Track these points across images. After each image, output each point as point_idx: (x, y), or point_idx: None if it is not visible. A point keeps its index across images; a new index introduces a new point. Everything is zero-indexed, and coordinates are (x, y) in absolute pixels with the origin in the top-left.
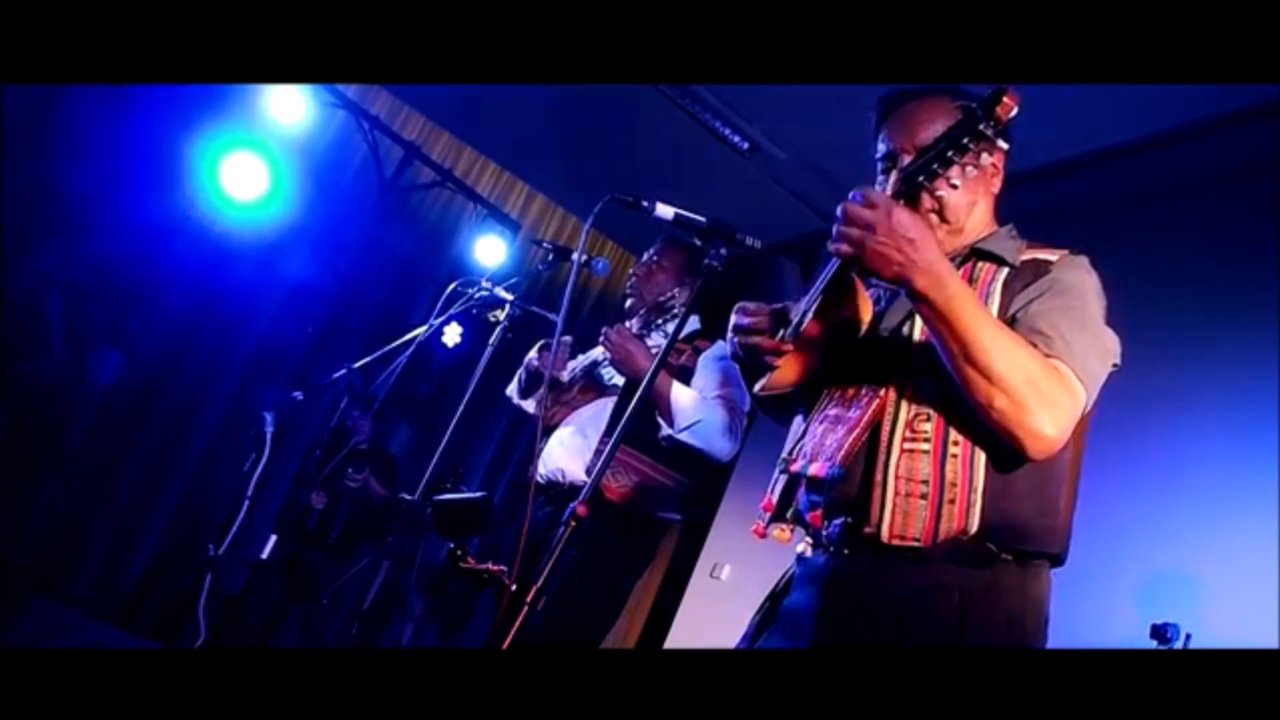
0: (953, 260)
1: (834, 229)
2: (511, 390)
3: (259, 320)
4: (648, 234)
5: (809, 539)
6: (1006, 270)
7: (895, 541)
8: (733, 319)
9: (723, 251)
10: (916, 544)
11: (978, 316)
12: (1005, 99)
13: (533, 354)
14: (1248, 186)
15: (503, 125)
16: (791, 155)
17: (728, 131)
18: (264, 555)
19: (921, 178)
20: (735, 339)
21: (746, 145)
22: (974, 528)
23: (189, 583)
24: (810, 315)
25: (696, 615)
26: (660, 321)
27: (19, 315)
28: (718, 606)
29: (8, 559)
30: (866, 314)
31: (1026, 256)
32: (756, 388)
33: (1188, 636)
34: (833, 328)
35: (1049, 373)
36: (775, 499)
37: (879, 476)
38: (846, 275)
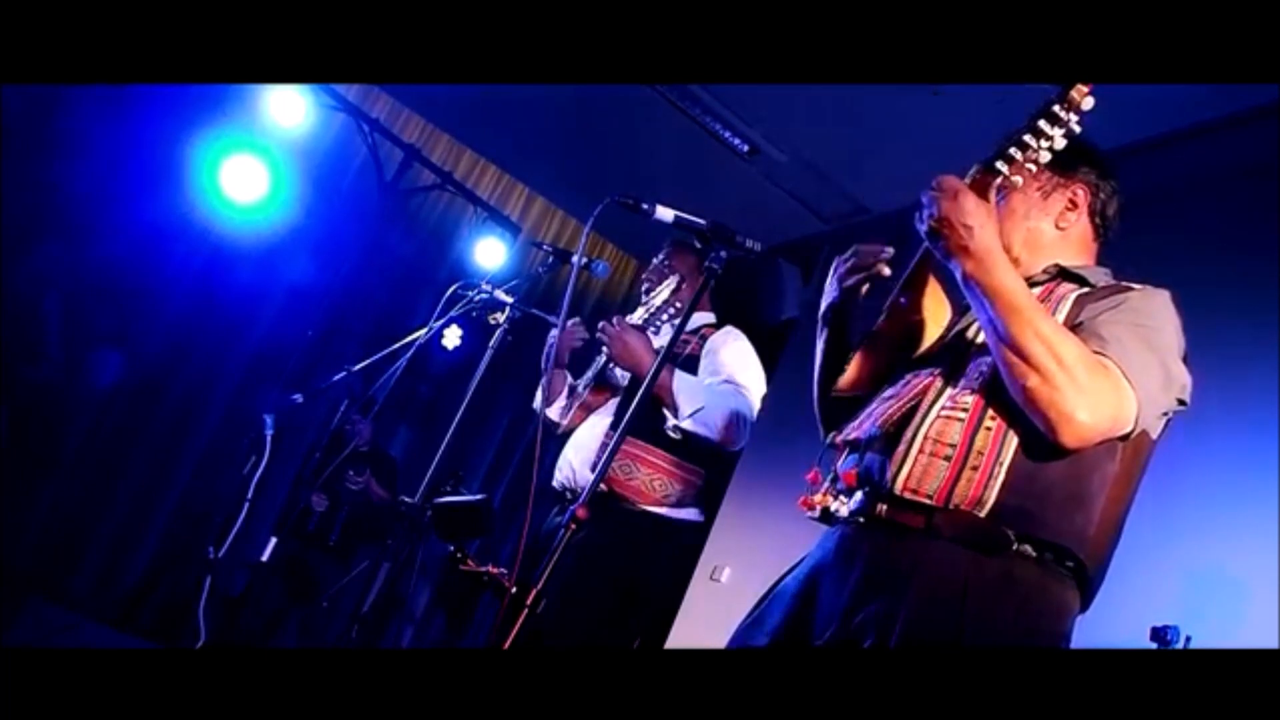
0: (1034, 284)
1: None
2: (537, 403)
3: (259, 323)
4: (648, 237)
5: (843, 497)
6: (1086, 289)
7: (907, 495)
8: (837, 262)
9: (723, 254)
10: (928, 500)
11: (1022, 303)
12: (1080, 85)
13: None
14: (1248, 188)
15: (503, 128)
16: (791, 158)
17: (727, 134)
18: (264, 558)
19: (999, 162)
20: (839, 271)
21: (746, 148)
22: (990, 500)
23: (189, 585)
24: (898, 297)
25: (696, 617)
26: (672, 316)
27: (17, 316)
28: (717, 609)
29: (7, 561)
30: (943, 319)
31: (1109, 283)
32: (832, 389)
33: (1188, 639)
34: (908, 330)
35: (1090, 363)
36: (823, 471)
37: (909, 434)
38: (925, 272)
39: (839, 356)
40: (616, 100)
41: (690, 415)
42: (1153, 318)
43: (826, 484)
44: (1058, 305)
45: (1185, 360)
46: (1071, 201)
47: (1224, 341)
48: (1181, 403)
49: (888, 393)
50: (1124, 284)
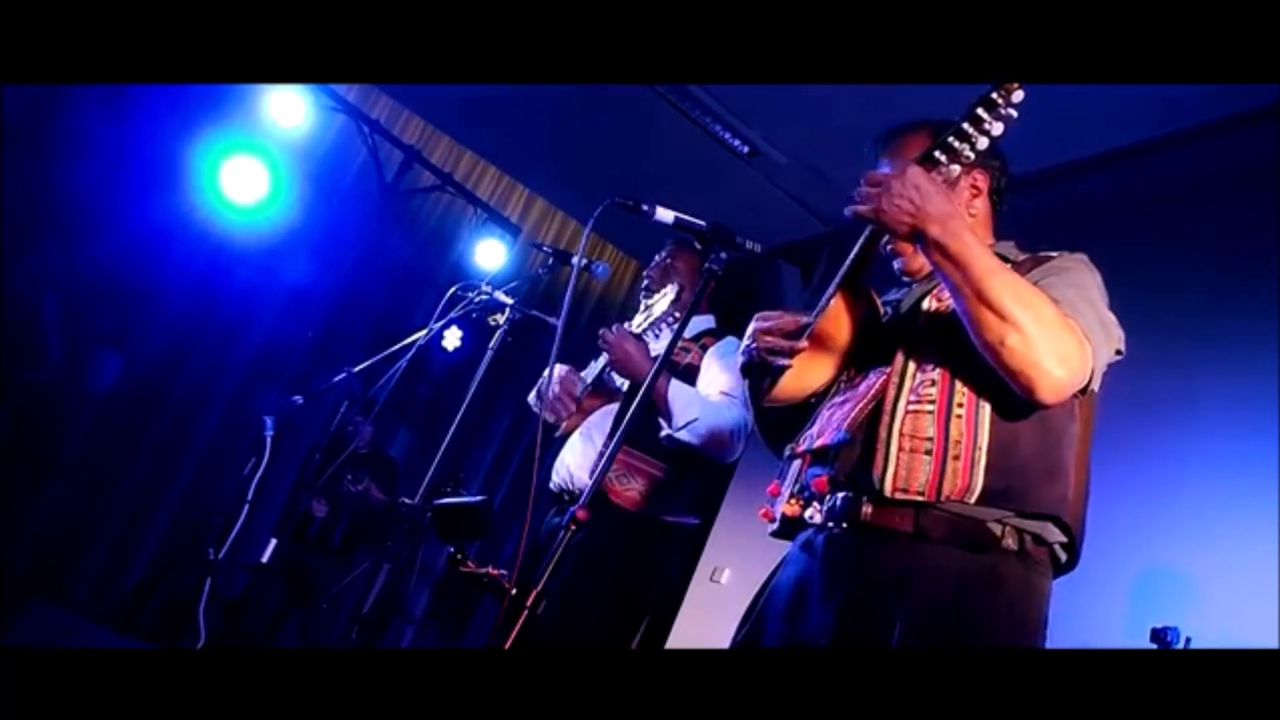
0: None
1: (854, 194)
2: (532, 399)
3: (259, 324)
4: (648, 238)
5: (816, 504)
6: (1009, 265)
7: (898, 495)
8: (753, 324)
9: (723, 255)
10: (920, 498)
11: (992, 261)
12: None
13: (554, 380)
14: (1248, 189)
15: (503, 129)
16: (791, 159)
17: (727, 135)
18: (264, 559)
19: (937, 151)
20: (753, 344)
21: (746, 149)
22: (978, 486)
23: (189, 587)
24: (824, 311)
25: (696, 619)
26: (671, 324)
27: (16, 317)
28: (717, 610)
29: (7, 563)
30: (875, 317)
31: (1025, 257)
32: (764, 398)
33: (1188, 640)
34: (843, 336)
35: (1060, 319)
36: (785, 482)
37: (883, 434)
38: (860, 278)
39: (764, 388)
40: (616, 101)
41: (684, 425)
42: (1082, 276)
43: (788, 493)
44: None
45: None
46: (975, 188)
47: (1224, 342)
48: (1119, 353)
49: (840, 398)
50: (1042, 254)
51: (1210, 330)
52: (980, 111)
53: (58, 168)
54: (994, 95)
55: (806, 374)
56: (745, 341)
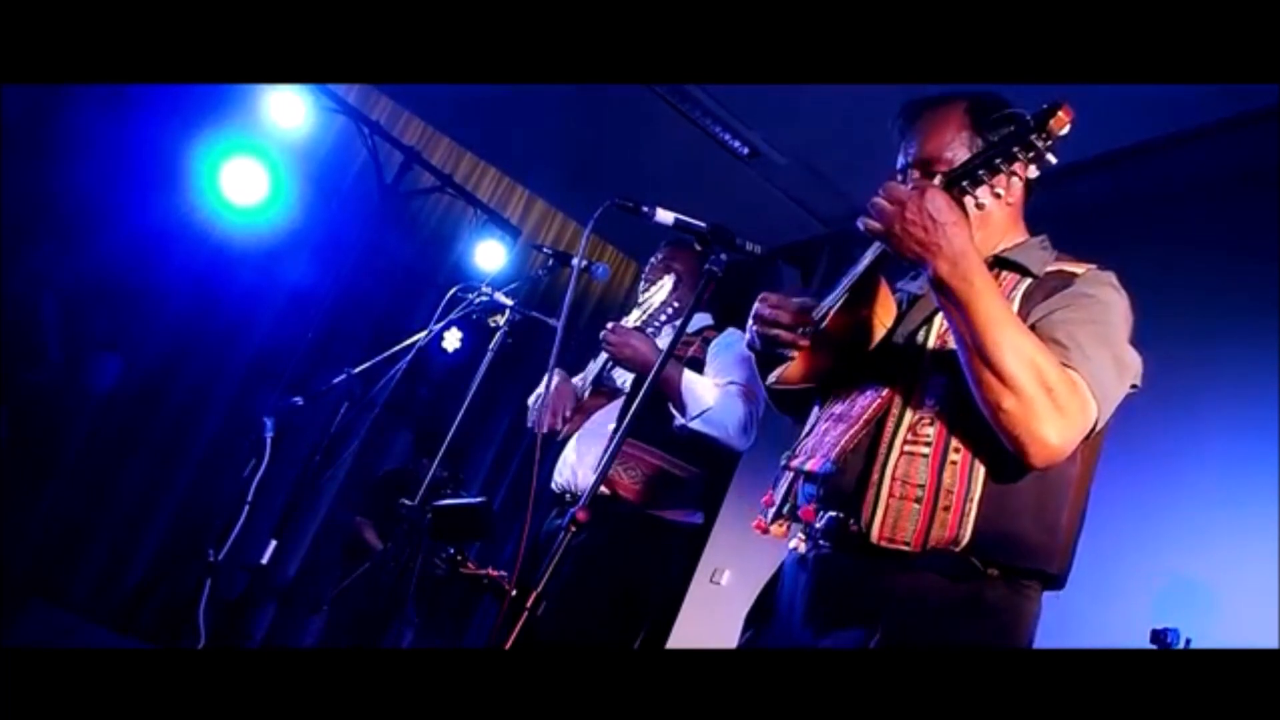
0: None
1: (869, 205)
2: (532, 401)
3: (259, 325)
4: (648, 239)
5: (802, 534)
6: (1030, 281)
7: (884, 544)
8: (755, 307)
9: (723, 257)
10: (906, 548)
11: (999, 313)
12: (1060, 113)
13: (550, 392)
14: (1248, 190)
15: (503, 130)
16: (791, 160)
17: (727, 137)
18: (264, 560)
19: (965, 182)
20: (755, 328)
21: (746, 151)
22: (965, 538)
23: (189, 588)
24: (833, 312)
25: (696, 619)
26: (670, 317)
27: (15, 317)
28: (718, 611)
29: (7, 563)
30: (888, 318)
31: (1052, 268)
32: (770, 379)
33: (1188, 641)
34: (852, 328)
35: (1064, 381)
36: (777, 495)
37: (875, 476)
38: (874, 273)
39: (773, 366)
40: (616, 103)
41: (698, 415)
42: (1103, 308)
43: (776, 510)
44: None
45: (1131, 341)
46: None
47: (1224, 343)
48: (1134, 386)
49: (838, 408)
50: (1065, 268)
51: (1210, 330)
52: (1016, 150)
53: (58, 168)
54: (1033, 137)
55: (811, 364)
56: (750, 324)
